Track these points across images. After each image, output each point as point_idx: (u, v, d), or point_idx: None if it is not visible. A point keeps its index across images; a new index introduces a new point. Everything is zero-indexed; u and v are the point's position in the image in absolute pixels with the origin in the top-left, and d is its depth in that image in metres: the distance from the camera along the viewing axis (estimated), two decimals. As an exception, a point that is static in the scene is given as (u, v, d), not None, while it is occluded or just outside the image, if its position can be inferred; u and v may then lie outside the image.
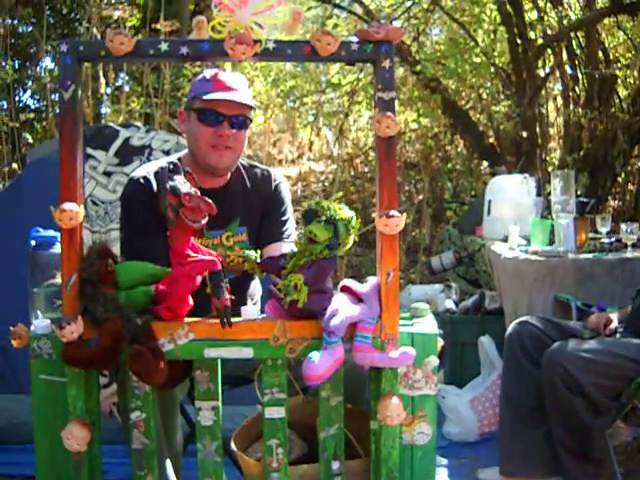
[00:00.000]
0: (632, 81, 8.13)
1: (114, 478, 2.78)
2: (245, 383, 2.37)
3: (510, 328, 2.98)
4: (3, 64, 7.55)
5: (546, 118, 8.66)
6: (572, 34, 7.83)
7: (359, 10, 8.86)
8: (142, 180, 2.43)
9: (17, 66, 8.58)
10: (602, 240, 3.94)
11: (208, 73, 2.40)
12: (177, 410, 2.35)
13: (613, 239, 3.93)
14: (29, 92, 9.12)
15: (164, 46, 1.74)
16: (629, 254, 3.70)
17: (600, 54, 7.89)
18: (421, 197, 8.72)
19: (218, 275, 1.78)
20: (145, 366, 1.72)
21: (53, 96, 7.59)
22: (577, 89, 8.22)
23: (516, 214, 4.46)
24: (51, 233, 2.05)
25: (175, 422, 2.30)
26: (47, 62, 8.64)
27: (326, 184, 9.98)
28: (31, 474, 2.05)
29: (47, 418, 1.85)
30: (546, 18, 8.07)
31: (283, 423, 1.85)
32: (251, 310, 1.87)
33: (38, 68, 8.84)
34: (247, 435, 2.06)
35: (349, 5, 9.24)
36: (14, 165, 7.36)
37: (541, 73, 8.36)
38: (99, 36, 6.72)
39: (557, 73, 8.43)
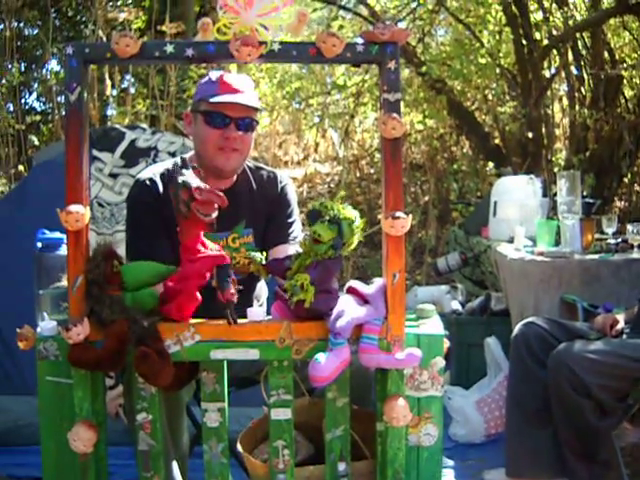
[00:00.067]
0: (638, 81, 8.12)
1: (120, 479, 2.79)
2: (251, 384, 2.37)
3: (516, 329, 2.97)
4: (9, 67, 7.57)
5: (552, 119, 8.63)
6: (578, 35, 7.82)
7: (364, 11, 8.86)
8: (148, 182, 2.43)
9: (23, 68, 8.60)
10: (608, 241, 3.93)
11: (214, 75, 2.40)
12: (183, 412, 2.35)
13: (619, 240, 3.92)
14: (35, 94, 9.15)
15: (169, 48, 1.74)
16: (635, 255, 3.69)
17: (606, 54, 7.88)
18: (427, 198, 8.71)
19: (224, 269, 1.78)
20: (151, 368, 1.72)
21: (59, 98, 7.61)
22: (583, 90, 8.21)
23: (522, 215, 4.45)
24: (57, 235, 2.06)
25: (181, 423, 2.30)
26: (53, 64, 8.66)
27: (332, 185, 9.98)
28: (37, 475, 2.05)
29: (53, 420, 1.85)
30: (551, 19, 8.05)
31: (289, 424, 1.85)
32: (257, 311, 1.87)
33: (44, 70, 8.87)
34: (253, 437, 2.06)
35: (354, 7, 9.25)
36: (20, 167, 7.39)
37: (547, 74, 8.35)
38: (105, 38, 6.72)
39: (563, 74, 8.42)
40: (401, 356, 1.76)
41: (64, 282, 1.83)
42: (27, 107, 8.90)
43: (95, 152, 3.80)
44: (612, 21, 7.84)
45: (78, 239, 1.74)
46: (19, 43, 7.95)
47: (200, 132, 2.41)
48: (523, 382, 2.88)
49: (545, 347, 2.82)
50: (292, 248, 2.36)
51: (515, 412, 2.92)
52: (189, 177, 1.76)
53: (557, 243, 3.87)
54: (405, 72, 8.63)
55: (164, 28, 6.62)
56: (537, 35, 8.02)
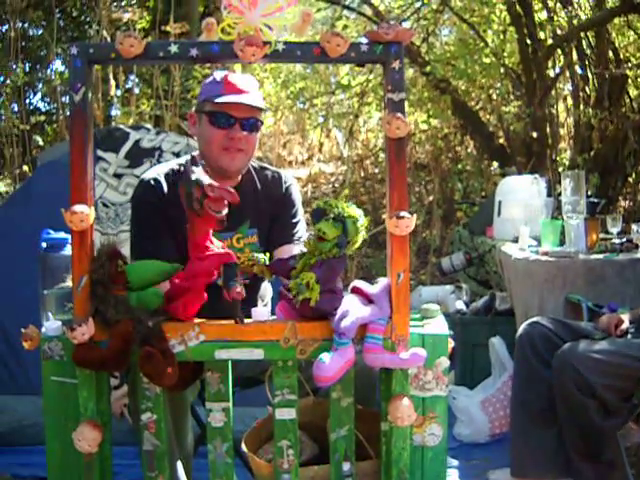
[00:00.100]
0: (643, 81, 8.11)
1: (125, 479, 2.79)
2: (256, 384, 2.37)
3: (521, 329, 2.96)
4: (14, 67, 7.57)
5: (556, 118, 8.63)
6: (582, 34, 7.80)
7: (368, 11, 8.86)
8: (152, 182, 2.43)
9: (27, 69, 8.60)
10: (613, 241, 3.91)
11: (218, 75, 2.40)
12: (188, 411, 2.35)
13: (624, 239, 3.91)
14: (39, 95, 9.14)
15: (174, 48, 1.74)
16: (640, 254, 3.68)
17: (610, 54, 7.85)
18: (431, 198, 8.72)
19: (230, 268, 1.79)
20: (156, 367, 1.72)
21: (63, 98, 7.61)
22: (587, 89, 8.19)
23: (526, 215, 4.44)
24: (62, 235, 2.06)
25: (186, 423, 2.30)
26: (57, 65, 8.68)
27: (336, 185, 9.99)
28: (42, 475, 2.06)
29: (58, 419, 1.85)
30: (556, 18, 8.04)
31: (294, 424, 1.85)
32: (262, 311, 1.87)
33: (48, 71, 8.88)
34: (258, 436, 2.06)
35: (358, 6, 9.25)
36: (25, 168, 7.39)
37: (551, 73, 8.33)
38: (109, 39, 6.72)
39: (567, 73, 8.40)
40: (406, 356, 1.76)
41: (69, 282, 1.83)
42: (32, 107, 8.90)
43: (99, 152, 3.80)
44: (617, 20, 7.82)
45: (83, 239, 1.75)
46: (23, 43, 7.95)
47: (205, 132, 2.41)
48: (528, 382, 2.88)
49: (550, 347, 2.81)
50: (296, 248, 2.36)
51: (520, 412, 2.91)
52: (200, 174, 1.77)
53: (562, 243, 3.86)
54: (409, 72, 8.63)
55: (168, 28, 6.63)
56: (541, 35, 8.01)
